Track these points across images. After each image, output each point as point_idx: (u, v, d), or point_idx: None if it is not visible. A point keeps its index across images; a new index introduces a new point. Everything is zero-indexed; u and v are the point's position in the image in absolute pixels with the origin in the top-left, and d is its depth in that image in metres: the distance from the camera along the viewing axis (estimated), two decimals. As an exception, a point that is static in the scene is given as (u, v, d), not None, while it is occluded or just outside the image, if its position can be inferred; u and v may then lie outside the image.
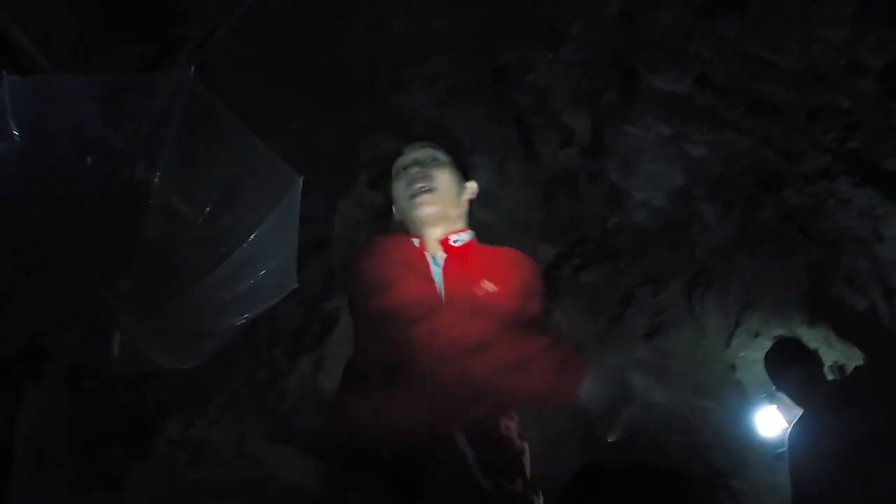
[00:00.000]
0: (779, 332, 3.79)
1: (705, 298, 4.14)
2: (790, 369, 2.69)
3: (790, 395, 2.70)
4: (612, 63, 3.80)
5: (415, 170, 2.01)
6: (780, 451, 3.79)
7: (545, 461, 4.96)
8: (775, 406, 3.91)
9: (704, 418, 4.33)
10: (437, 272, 1.86)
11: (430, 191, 1.94)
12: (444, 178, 2.00)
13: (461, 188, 2.05)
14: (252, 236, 2.43)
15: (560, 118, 4.21)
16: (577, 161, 4.33)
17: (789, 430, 2.64)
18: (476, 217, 4.73)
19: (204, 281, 2.34)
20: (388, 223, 4.53)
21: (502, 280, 1.80)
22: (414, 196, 1.95)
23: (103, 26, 2.96)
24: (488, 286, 1.77)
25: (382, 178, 4.50)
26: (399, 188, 2.04)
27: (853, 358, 3.29)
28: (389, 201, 4.55)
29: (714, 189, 3.92)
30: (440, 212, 1.95)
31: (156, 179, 2.21)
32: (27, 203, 2.14)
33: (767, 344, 3.89)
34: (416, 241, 1.95)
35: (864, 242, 3.22)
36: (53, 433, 2.96)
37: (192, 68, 2.25)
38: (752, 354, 3.96)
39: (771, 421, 3.80)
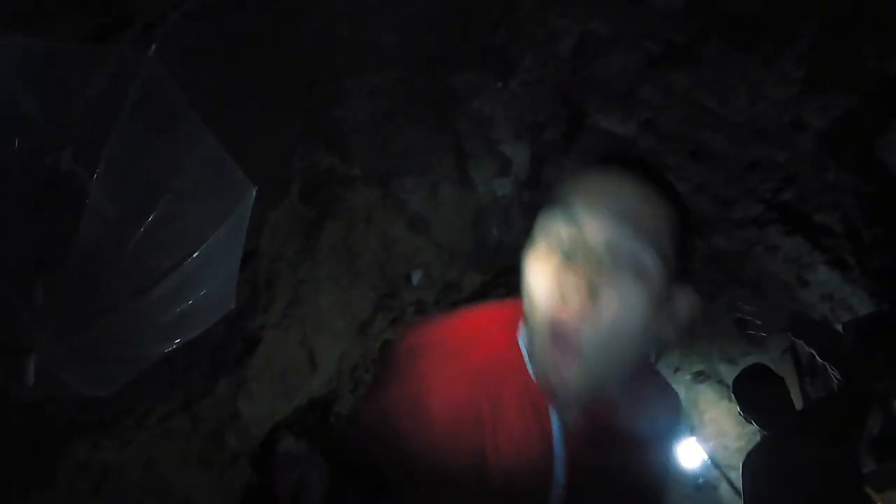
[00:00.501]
0: (699, 367, 3.98)
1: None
2: (759, 393, 2.80)
3: (756, 419, 2.80)
4: (559, 98, 3.89)
5: (583, 280, 0.91)
6: (699, 481, 3.96)
7: None
8: (694, 438, 4.09)
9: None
10: (558, 437, 0.99)
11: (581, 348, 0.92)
12: (633, 316, 0.92)
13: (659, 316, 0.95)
14: (197, 252, 2.12)
15: (499, 147, 4.25)
16: (511, 191, 4.38)
17: (748, 453, 2.72)
18: (404, 241, 4.66)
19: (138, 300, 2.01)
20: (319, 242, 4.38)
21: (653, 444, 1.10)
22: (556, 344, 0.93)
23: None
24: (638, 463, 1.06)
25: (314, 192, 4.35)
26: (540, 289, 0.99)
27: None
28: (323, 218, 4.45)
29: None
30: (593, 385, 0.95)
31: (94, 175, 1.91)
32: None
33: (687, 378, 4.09)
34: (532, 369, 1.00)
35: (788, 287, 3.45)
36: None
37: (154, 46, 2.01)
38: (671, 389, 4.13)
39: (691, 452, 3.95)
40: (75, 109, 1.91)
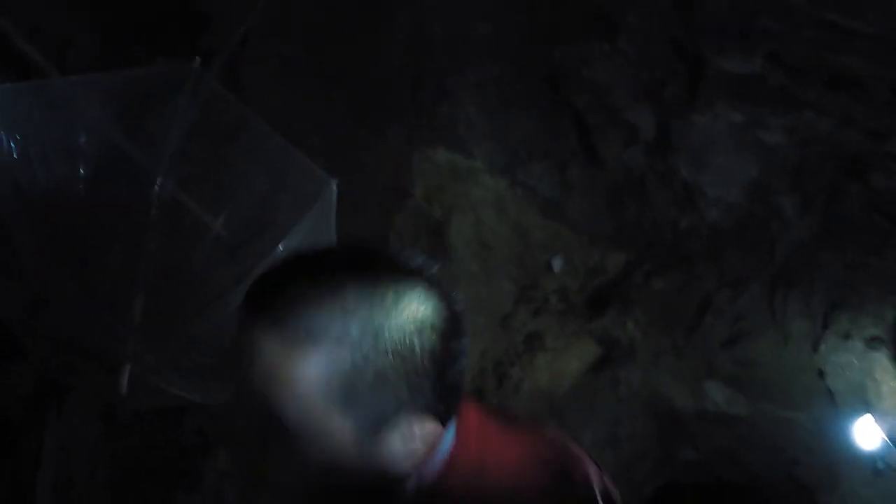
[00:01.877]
0: (872, 332, 3.41)
1: (788, 301, 3.78)
2: None
3: None
4: (673, 50, 3.58)
5: None
6: (878, 464, 3.38)
7: (620, 483, 4.63)
8: (870, 415, 3.48)
9: (790, 432, 3.94)
10: None
11: None
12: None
13: None
14: (280, 247, 2.23)
15: (622, 115, 3.99)
16: (643, 160, 4.08)
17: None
18: (539, 228, 4.56)
19: (224, 300, 2.09)
20: (449, 239, 4.39)
21: None
22: None
23: (123, 36, 2.90)
24: None
25: (438, 191, 4.38)
26: None
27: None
28: (450, 215, 4.45)
29: (793, 179, 3.61)
30: None
31: (169, 186, 2.05)
32: (25, 226, 1.91)
33: (859, 346, 3.52)
34: None
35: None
36: (83, 470, 2.83)
37: (198, 59, 2.10)
38: (842, 359, 3.57)
39: (868, 432, 3.38)
40: (151, 129, 2.12)
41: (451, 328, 0.80)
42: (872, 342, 3.43)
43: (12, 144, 1.84)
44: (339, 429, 0.74)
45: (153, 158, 2.11)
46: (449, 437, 0.85)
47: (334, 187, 2.54)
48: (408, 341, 0.74)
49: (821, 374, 3.71)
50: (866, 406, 3.51)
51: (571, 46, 3.80)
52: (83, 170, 2.00)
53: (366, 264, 0.79)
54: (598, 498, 0.95)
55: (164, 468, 3.26)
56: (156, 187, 2.07)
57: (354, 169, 3.90)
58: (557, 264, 4.55)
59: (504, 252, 4.48)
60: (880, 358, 3.41)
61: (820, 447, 3.73)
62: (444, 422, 0.80)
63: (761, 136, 3.58)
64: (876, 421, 3.47)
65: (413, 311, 0.76)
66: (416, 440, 0.78)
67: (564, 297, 4.53)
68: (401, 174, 4.23)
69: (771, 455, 4.06)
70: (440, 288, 0.81)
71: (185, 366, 2.20)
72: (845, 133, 3.22)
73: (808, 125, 3.34)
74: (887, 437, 3.05)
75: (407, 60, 3.88)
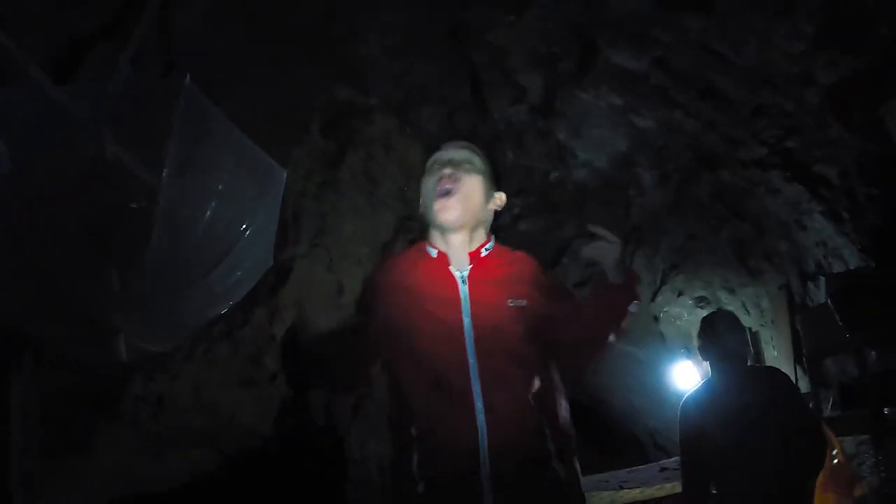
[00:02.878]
0: (700, 293, 4.22)
1: (636, 255, 4.50)
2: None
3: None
4: (571, 34, 3.89)
5: (447, 170, 1.81)
6: None
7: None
8: (690, 361, 4.40)
9: (628, 363, 4.80)
10: (463, 291, 1.74)
11: (455, 193, 1.77)
12: (474, 185, 1.81)
13: (489, 197, 1.86)
14: (246, 234, 2.59)
15: (514, 77, 4.29)
16: (526, 118, 4.46)
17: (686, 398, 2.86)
18: (422, 165, 4.82)
19: (200, 281, 2.50)
20: (340, 172, 4.56)
21: (527, 291, 1.75)
22: (440, 196, 1.77)
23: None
24: (517, 302, 1.73)
25: (334, 125, 4.49)
26: (428, 184, 1.84)
27: (764, 325, 3.77)
28: (343, 150, 4.59)
29: (655, 158, 4.19)
30: (461, 218, 1.77)
31: (161, 185, 2.22)
32: (25, 221, 2.12)
33: (689, 303, 4.35)
34: (433, 252, 1.79)
35: (786, 227, 3.61)
36: (31, 411, 2.98)
37: (188, 76, 2.24)
38: (674, 311, 4.40)
39: (686, 374, 4.26)
40: (141, 135, 2.25)
41: None
42: (700, 301, 4.24)
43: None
44: None
45: (152, 168, 2.27)
46: None
47: (284, 176, 2.79)
48: None
49: (656, 319, 4.52)
50: (689, 351, 4.36)
51: (481, 10, 3.98)
52: (78, 168, 2.16)
53: None
54: None
55: (90, 400, 3.40)
56: (159, 200, 2.25)
57: (262, 106, 3.92)
58: (435, 199, 4.92)
59: (388, 186, 4.75)
60: (704, 314, 4.21)
61: (650, 379, 4.59)
62: None
63: (634, 120, 4.09)
64: (693, 365, 4.36)
65: None
66: None
67: (439, 228, 4.94)
68: (302, 109, 4.28)
69: (610, 380, 4.90)
70: None
71: (161, 330, 2.61)
72: (706, 134, 3.80)
73: (677, 121, 3.89)
74: (700, 378, 3.86)
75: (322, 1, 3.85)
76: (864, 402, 2.86)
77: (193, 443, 4.18)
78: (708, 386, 2.76)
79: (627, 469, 4.01)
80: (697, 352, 3.04)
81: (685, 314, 4.30)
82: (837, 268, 3.29)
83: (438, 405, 1.65)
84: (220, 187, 2.52)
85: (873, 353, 3.05)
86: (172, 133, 2.20)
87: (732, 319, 3.10)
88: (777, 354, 3.58)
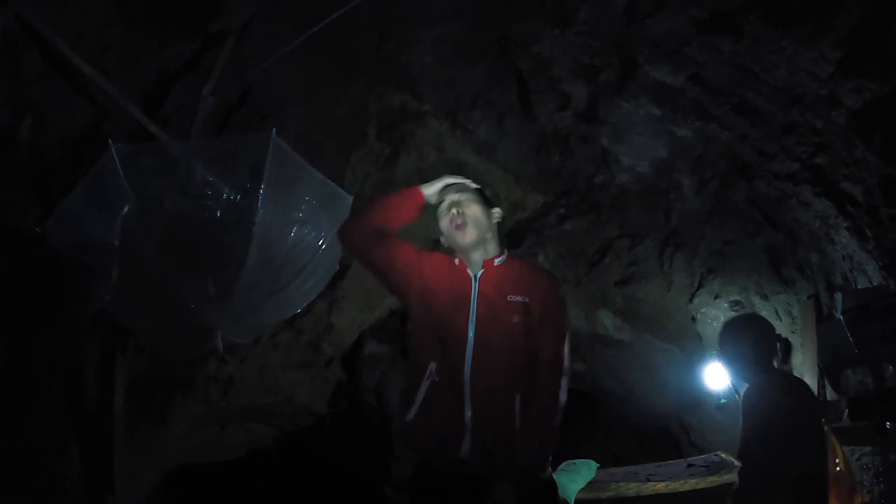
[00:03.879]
0: (735, 298, 4.35)
1: (675, 258, 4.65)
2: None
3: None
4: (612, 49, 4.05)
5: (454, 210, 2.48)
6: (721, 402, 4.45)
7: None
8: (720, 363, 4.49)
9: (664, 359, 4.97)
10: (474, 284, 2.44)
11: (466, 224, 2.44)
12: (476, 211, 2.48)
13: (489, 214, 2.53)
14: (321, 251, 3.14)
15: (559, 85, 4.48)
16: (571, 123, 4.65)
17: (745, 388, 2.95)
18: (474, 164, 5.05)
19: (287, 287, 3.08)
20: (395, 174, 4.88)
21: (527, 291, 2.42)
22: (457, 228, 2.46)
23: (146, 26, 3.13)
24: (516, 297, 2.39)
25: (389, 130, 4.79)
26: (444, 224, 2.53)
27: (795, 332, 3.89)
28: (397, 153, 4.88)
29: (694, 165, 4.33)
30: (476, 237, 2.45)
31: (256, 219, 2.71)
32: (151, 249, 2.77)
33: (724, 305, 4.48)
34: (456, 261, 2.51)
35: (817, 239, 3.71)
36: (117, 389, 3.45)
37: (274, 130, 2.66)
38: (710, 312, 4.55)
39: (717, 375, 4.40)
40: (239, 180, 2.86)
41: None
42: (735, 305, 4.37)
43: (131, 192, 2.67)
44: None
45: (247, 202, 2.74)
46: None
47: (350, 200, 3.26)
48: None
49: (693, 319, 4.68)
50: (718, 355, 4.48)
51: (526, 24, 4.18)
52: (193, 209, 2.80)
53: None
54: None
55: (170, 379, 3.90)
56: (254, 228, 2.71)
57: (325, 116, 4.27)
58: (484, 196, 5.18)
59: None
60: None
61: (687, 377, 4.76)
62: None
63: (673, 129, 4.23)
64: (724, 367, 4.46)
65: None
66: None
67: (489, 226, 5.20)
68: (360, 116, 4.60)
69: (647, 376, 5.09)
70: None
71: (250, 328, 3.27)
72: (741, 146, 3.92)
73: (713, 132, 4.01)
74: (730, 381, 4.03)
75: (375, 13, 4.12)
76: (871, 415, 3.00)
77: (256, 418, 4.64)
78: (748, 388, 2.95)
79: (657, 463, 4.23)
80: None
81: (721, 316, 4.45)
82: (861, 282, 3.40)
83: (437, 357, 2.36)
84: (300, 215, 3.05)
85: (891, 367, 3.18)
86: (264, 177, 2.66)
87: (741, 325, 3.28)
88: (803, 360, 3.72)
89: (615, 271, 4.90)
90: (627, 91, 4.19)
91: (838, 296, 3.29)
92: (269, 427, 4.77)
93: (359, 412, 5.09)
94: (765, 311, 4.14)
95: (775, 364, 3.07)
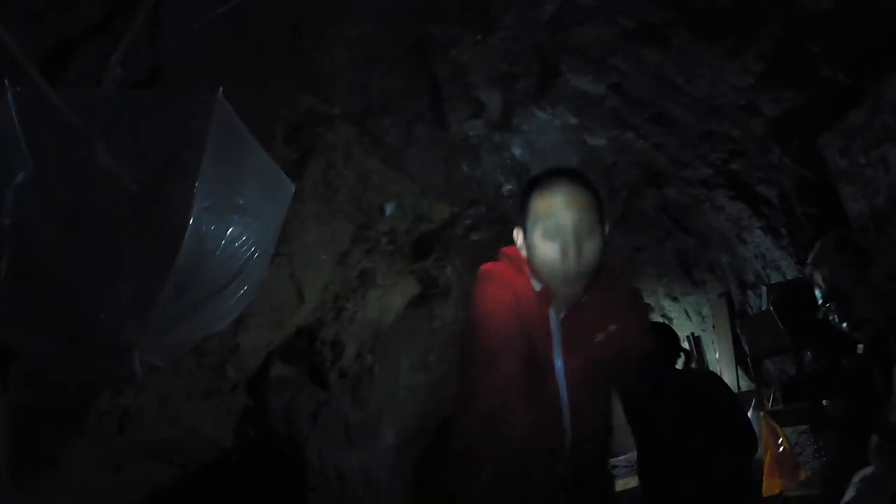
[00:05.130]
0: (646, 302, 4.57)
1: (583, 265, 4.79)
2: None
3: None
4: (534, 56, 4.13)
5: (573, 249, 1.67)
6: None
7: (429, 401, 5.47)
8: None
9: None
10: (555, 328, 1.78)
11: (580, 271, 1.68)
12: (595, 251, 1.70)
13: (604, 241, 1.75)
14: (261, 249, 2.60)
15: (474, 92, 4.48)
16: (483, 132, 4.67)
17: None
18: (380, 174, 4.91)
19: (216, 296, 2.45)
20: (303, 181, 4.61)
21: (617, 328, 1.79)
22: (566, 277, 1.69)
23: None
24: (602, 337, 1.77)
25: (296, 133, 4.54)
26: (546, 251, 1.71)
27: (706, 331, 4.14)
28: (305, 158, 4.63)
29: (604, 173, 4.50)
30: (584, 287, 1.73)
31: (193, 203, 2.25)
32: (45, 230, 2.11)
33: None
34: (536, 286, 1.77)
35: (727, 241, 3.99)
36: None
37: (220, 90, 2.27)
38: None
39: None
40: (171, 148, 2.25)
41: None
42: (643, 310, 4.60)
43: (26, 150, 2.05)
44: None
45: (182, 182, 2.31)
46: None
47: (292, 189, 2.87)
48: None
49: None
50: None
51: (447, 27, 4.15)
52: (104, 178, 2.19)
53: None
54: None
55: (57, 416, 3.35)
56: (191, 216, 2.28)
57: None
58: (389, 208, 5.04)
59: (346, 195, 4.84)
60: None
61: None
62: None
63: (587, 138, 4.38)
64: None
65: None
66: None
67: (393, 239, 5.07)
68: (268, 117, 4.31)
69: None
70: None
71: (170, 346, 2.57)
72: (655, 155, 4.13)
73: (628, 141, 4.20)
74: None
75: (292, 9, 3.91)
76: (803, 397, 3.23)
77: (156, 456, 4.13)
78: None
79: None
80: None
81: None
82: (775, 278, 3.67)
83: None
84: (241, 202, 2.52)
85: (809, 353, 3.46)
86: (205, 148, 2.24)
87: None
88: (719, 356, 3.94)
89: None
90: (546, 99, 4.28)
91: (761, 289, 3.53)
92: (170, 466, 4.25)
93: (268, 441, 4.69)
94: (675, 312, 4.36)
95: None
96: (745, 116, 3.59)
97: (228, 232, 2.45)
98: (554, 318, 1.76)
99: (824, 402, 3.15)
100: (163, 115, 2.26)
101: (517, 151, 4.65)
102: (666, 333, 3.29)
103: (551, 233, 1.68)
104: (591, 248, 1.67)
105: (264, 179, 2.64)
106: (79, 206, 2.14)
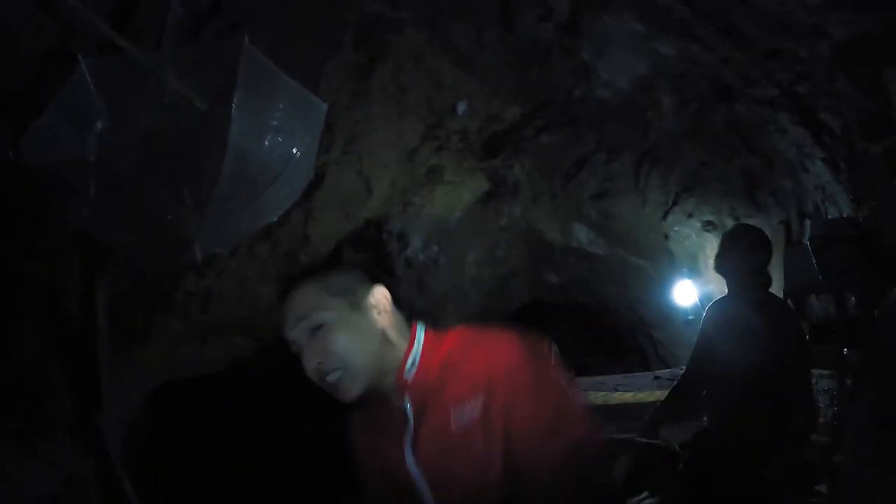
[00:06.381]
0: (709, 218, 4.44)
1: (651, 175, 4.69)
2: (749, 256, 2.86)
3: (727, 274, 2.91)
4: (598, -39, 3.92)
5: (313, 365, 1.39)
6: (689, 317, 4.62)
7: (495, 296, 5.75)
8: (690, 280, 4.67)
9: (637, 274, 5.10)
10: (410, 423, 1.42)
11: (337, 380, 1.38)
12: (342, 343, 1.38)
13: (369, 322, 1.43)
14: (296, 158, 3.05)
15: (541, -5, 4.34)
16: (552, 36, 4.54)
17: (708, 306, 2.98)
18: (451, 75, 4.96)
19: (263, 195, 2.94)
20: (371, 84, 4.75)
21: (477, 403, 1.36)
22: (330, 391, 1.40)
23: None
24: (461, 417, 1.36)
25: (366, 40, 4.63)
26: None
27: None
28: (374, 62, 4.74)
29: (675, 84, 4.30)
30: (364, 385, 1.40)
31: (230, 127, 2.66)
32: (124, 155, 2.58)
33: (697, 225, 4.59)
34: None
35: (792, 166, 3.78)
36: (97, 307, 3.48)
37: (246, 37, 2.58)
38: (683, 231, 4.64)
39: (686, 292, 4.56)
40: (214, 86, 2.60)
41: None
42: (707, 225, 4.47)
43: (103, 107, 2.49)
44: None
45: (221, 111, 2.70)
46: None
47: (325, 108, 3.20)
48: None
49: (665, 237, 4.77)
50: (694, 271, 4.63)
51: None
52: (168, 116, 2.60)
53: None
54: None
55: (148, 296, 3.90)
56: (228, 136, 2.69)
57: (297, 24, 4.10)
58: (462, 107, 5.10)
59: (417, 95, 4.93)
60: (711, 238, 4.45)
61: (657, 293, 4.91)
62: None
63: (656, 46, 4.17)
64: (693, 284, 4.64)
65: None
66: None
67: (464, 137, 5.15)
68: (335, 25, 4.42)
69: (619, 289, 5.23)
70: None
71: (227, 237, 3.04)
72: (723, 69, 3.90)
73: (696, 53, 3.97)
74: (698, 298, 4.18)
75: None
76: (829, 341, 3.17)
77: (236, 331, 4.71)
78: (722, 299, 2.98)
79: (625, 374, 4.44)
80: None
81: (693, 235, 4.56)
82: (832, 212, 3.50)
83: None
84: (274, 123, 2.95)
85: (853, 297, 3.33)
86: (237, 84, 2.59)
87: (740, 236, 3.08)
88: (773, 284, 3.86)
89: (591, 185, 4.95)
90: (612, 3, 4.08)
91: (807, 223, 3.39)
92: (249, 340, 4.84)
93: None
94: (735, 232, 4.25)
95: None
96: (813, 37, 3.31)
97: (265, 146, 2.91)
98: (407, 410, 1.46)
99: (846, 350, 3.08)
100: (200, 64, 2.65)
101: (586, 56, 4.50)
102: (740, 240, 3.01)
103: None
104: (330, 340, 1.40)
105: (293, 103, 3.03)
106: (148, 130, 2.57)
